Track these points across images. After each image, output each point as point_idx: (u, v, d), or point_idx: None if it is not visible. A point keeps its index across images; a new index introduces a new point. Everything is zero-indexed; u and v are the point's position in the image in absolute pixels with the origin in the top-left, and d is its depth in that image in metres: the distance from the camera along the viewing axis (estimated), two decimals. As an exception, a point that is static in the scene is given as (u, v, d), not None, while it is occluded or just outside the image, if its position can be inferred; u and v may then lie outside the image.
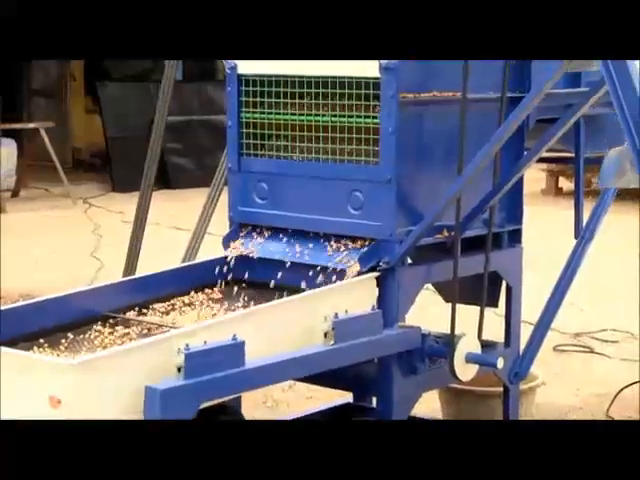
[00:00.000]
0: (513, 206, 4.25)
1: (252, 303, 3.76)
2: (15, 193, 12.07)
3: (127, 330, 3.57)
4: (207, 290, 3.96)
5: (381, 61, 3.66)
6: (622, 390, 5.29)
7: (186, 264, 4.51)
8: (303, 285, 3.81)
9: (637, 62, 3.32)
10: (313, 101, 3.89)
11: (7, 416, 3.08)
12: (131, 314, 3.73)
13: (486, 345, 3.99)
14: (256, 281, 3.97)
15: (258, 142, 4.04)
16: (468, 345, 3.84)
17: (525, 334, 4.24)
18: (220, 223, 4.41)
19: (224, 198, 4.32)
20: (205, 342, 3.20)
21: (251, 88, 4.01)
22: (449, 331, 3.82)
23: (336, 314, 3.53)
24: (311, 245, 3.90)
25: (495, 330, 4.20)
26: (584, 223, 4.23)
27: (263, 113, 4.01)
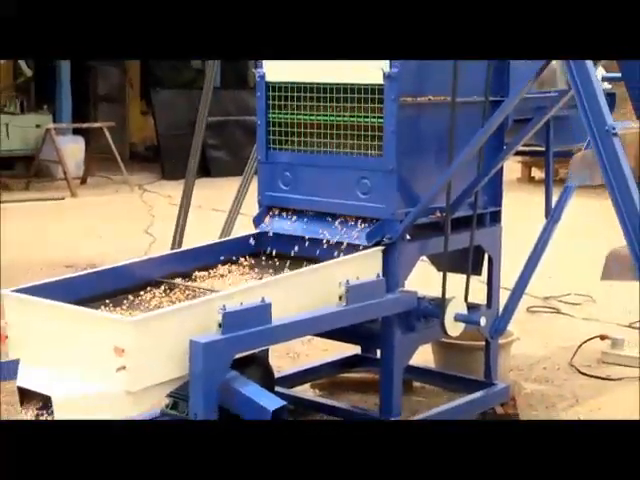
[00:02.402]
0: (494, 191, 4.23)
1: (278, 272, 3.76)
2: (83, 180, 12.09)
3: (176, 293, 3.58)
4: (240, 261, 3.95)
5: (384, 69, 3.64)
6: (583, 344, 5.29)
7: (223, 239, 4.51)
8: (320, 257, 3.80)
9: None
10: (328, 104, 3.87)
11: (81, 362, 3.11)
12: (179, 280, 3.73)
13: (471, 307, 3.99)
14: (281, 253, 3.96)
15: (283, 138, 4.03)
16: (456, 307, 3.83)
17: (503, 298, 4.25)
18: (251, 205, 4.40)
19: (254, 185, 4.31)
20: (240, 303, 3.21)
21: (277, 93, 4.00)
22: (440, 295, 3.82)
23: (348, 281, 3.53)
24: (327, 224, 3.89)
25: (478, 294, 4.20)
26: (553, 206, 4.23)
27: (287, 114, 4.00)
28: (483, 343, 4.32)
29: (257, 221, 4.10)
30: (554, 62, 3.37)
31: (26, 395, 3.15)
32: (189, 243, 4.68)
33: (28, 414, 3.13)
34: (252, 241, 4.04)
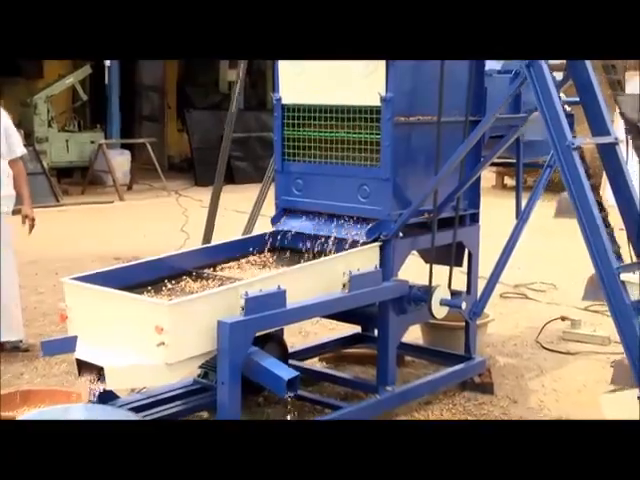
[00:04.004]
0: (473, 196, 4.21)
1: (291, 263, 3.74)
2: (129, 187, 12.08)
3: (206, 281, 3.57)
4: (260, 254, 3.94)
5: (381, 94, 3.62)
6: (547, 324, 5.26)
7: (245, 236, 4.49)
8: (327, 251, 3.78)
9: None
10: (334, 122, 3.85)
11: (127, 338, 3.10)
12: (208, 270, 3.72)
13: (454, 293, 3.97)
14: (294, 248, 3.95)
15: (296, 151, 4.01)
16: (441, 293, 3.82)
17: (480, 285, 4.23)
18: (269, 208, 4.39)
19: (272, 190, 4.30)
20: (260, 290, 3.20)
21: (291, 114, 3.98)
22: (428, 283, 3.81)
23: (350, 271, 3.52)
24: (333, 223, 3.88)
25: (460, 283, 4.18)
26: (522, 209, 4.22)
27: (299, 131, 3.98)
28: (464, 324, 4.30)
29: (274, 221, 4.08)
30: None
31: (83, 366, 3.16)
32: (217, 239, 4.67)
33: (85, 381, 3.15)
34: (270, 238, 4.03)
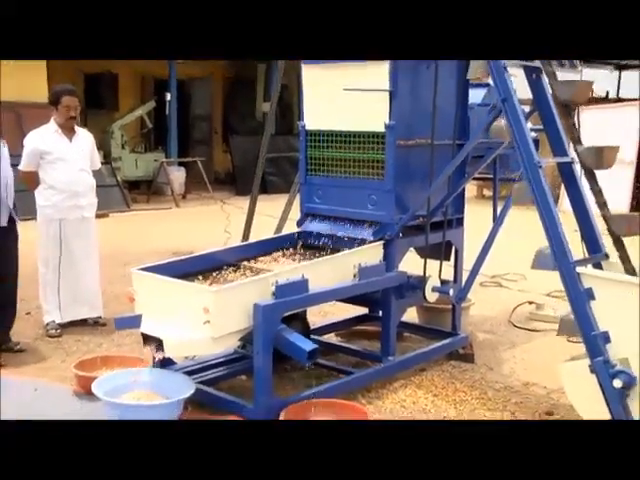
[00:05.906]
0: (459, 204, 4.17)
1: (313, 258, 3.73)
2: (184, 196, 12.12)
3: (244, 272, 3.56)
4: (288, 250, 3.93)
5: (385, 121, 3.59)
6: (517, 307, 5.21)
7: (276, 235, 4.48)
8: (341, 247, 3.76)
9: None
10: (347, 144, 3.83)
11: (181, 317, 3.08)
12: (246, 263, 3.72)
13: (443, 282, 3.95)
14: (315, 246, 3.93)
15: (317, 167, 3.99)
16: (433, 282, 3.80)
17: (464, 276, 4.19)
18: (295, 213, 4.37)
19: (297, 199, 4.28)
20: (287, 279, 3.19)
21: (313, 137, 3.97)
22: (422, 274, 3.78)
23: (360, 264, 3.50)
24: (347, 225, 3.86)
25: (448, 274, 4.14)
26: (498, 214, 4.17)
27: (320, 151, 3.96)
28: (451, 306, 4.27)
29: (299, 223, 4.07)
30: (503, 121, 3.30)
31: (146, 338, 3.16)
32: (253, 238, 4.66)
33: (149, 351, 3.15)
34: (296, 237, 4.01)
